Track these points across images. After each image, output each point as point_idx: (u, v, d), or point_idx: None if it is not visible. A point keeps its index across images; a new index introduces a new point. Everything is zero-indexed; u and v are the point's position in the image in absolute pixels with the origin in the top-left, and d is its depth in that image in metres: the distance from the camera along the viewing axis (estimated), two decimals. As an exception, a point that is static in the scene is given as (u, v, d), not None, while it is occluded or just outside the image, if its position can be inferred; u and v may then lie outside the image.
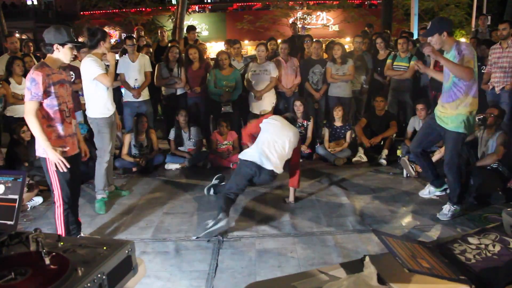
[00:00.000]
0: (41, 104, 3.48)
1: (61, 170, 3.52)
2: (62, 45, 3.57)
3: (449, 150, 4.30)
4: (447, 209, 4.37)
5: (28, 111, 3.43)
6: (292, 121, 4.95)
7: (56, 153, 3.48)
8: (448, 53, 4.14)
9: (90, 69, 4.56)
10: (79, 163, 3.92)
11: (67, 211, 3.74)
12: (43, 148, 3.51)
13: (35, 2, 28.74)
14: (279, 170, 4.44)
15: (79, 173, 3.97)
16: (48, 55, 3.63)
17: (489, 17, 10.65)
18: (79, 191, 4.04)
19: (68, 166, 3.52)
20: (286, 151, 4.51)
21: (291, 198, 4.93)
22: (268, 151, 4.42)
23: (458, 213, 4.36)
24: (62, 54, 3.60)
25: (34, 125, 3.44)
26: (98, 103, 4.73)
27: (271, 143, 4.47)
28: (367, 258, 2.03)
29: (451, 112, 4.16)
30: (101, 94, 4.71)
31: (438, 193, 4.77)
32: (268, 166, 4.37)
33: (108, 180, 5.19)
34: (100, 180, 4.89)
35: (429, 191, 4.79)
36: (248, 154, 4.47)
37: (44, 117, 3.53)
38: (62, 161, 3.49)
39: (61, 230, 3.73)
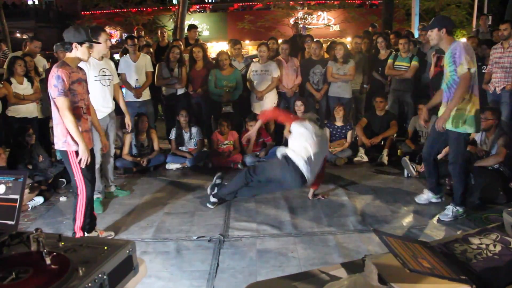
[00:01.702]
0: None
1: (83, 166, 3.71)
2: (81, 44, 3.72)
3: (452, 150, 4.30)
4: (450, 210, 4.36)
5: (62, 107, 3.59)
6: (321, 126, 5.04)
7: (87, 149, 3.69)
8: (446, 52, 4.17)
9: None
10: (93, 157, 4.03)
11: (89, 204, 3.88)
12: (65, 142, 3.68)
13: (36, 2, 28.74)
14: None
15: (94, 167, 4.13)
16: (67, 54, 3.79)
17: (490, 17, 10.66)
18: (94, 185, 4.14)
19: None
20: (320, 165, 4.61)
21: (310, 195, 5.04)
22: (315, 166, 4.45)
23: (460, 215, 4.34)
24: (80, 52, 3.76)
25: (69, 119, 3.59)
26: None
27: (318, 157, 4.48)
28: (367, 258, 2.03)
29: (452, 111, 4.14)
30: (91, 95, 4.58)
31: (434, 200, 4.78)
32: (309, 181, 4.43)
33: (108, 180, 5.25)
34: None
35: (426, 198, 4.80)
36: (301, 163, 4.32)
37: None
38: (88, 157, 3.70)
39: (80, 222, 3.87)
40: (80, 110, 3.80)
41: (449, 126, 4.19)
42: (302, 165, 4.29)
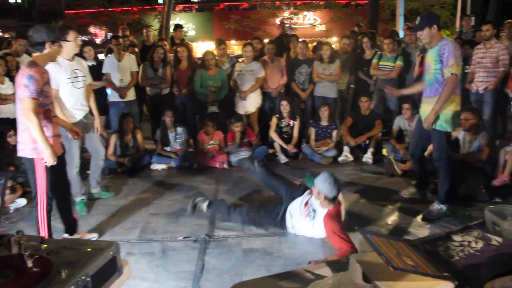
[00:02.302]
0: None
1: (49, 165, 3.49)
2: (53, 42, 3.57)
3: (436, 147, 4.36)
4: (434, 208, 4.41)
5: (28, 108, 3.34)
6: None
7: (54, 154, 3.48)
8: (433, 48, 4.17)
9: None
10: (64, 162, 3.89)
11: (50, 213, 3.69)
12: (34, 149, 3.47)
13: (19, 0, 28.36)
14: None
15: (66, 172, 3.99)
16: (37, 54, 3.58)
17: (473, 18, 10.78)
18: (69, 189, 4.03)
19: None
20: None
21: None
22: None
23: (444, 213, 4.38)
24: (54, 52, 3.61)
25: (34, 123, 3.36)
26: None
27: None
28: (352, 257, 2.05)
29: (431, 108, 4.18)
30: (64, 99, 4.53)
31: (418, 196, 4.90)
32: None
33: (94, 182, 5.17)
34: (73, 184, 4.71)
35: (411, 192, 4.97)
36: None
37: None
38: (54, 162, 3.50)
39: (44, 233, 3.67)
40: (50, 113, 3.62)
41: (433, 125, 4.24)
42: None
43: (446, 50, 4.03)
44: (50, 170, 3.55)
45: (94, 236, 4.15)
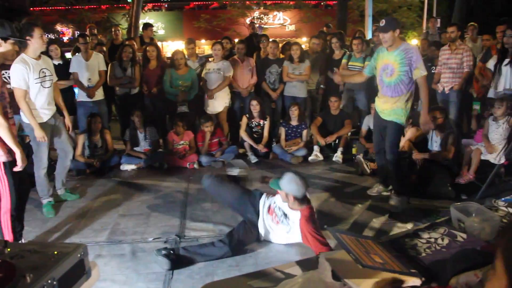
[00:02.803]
0: None
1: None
2: (5, 39, 3.44)
3: (390, 140, 4.60)
4: (395, 201, 4.64)
5: None
6: None
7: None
8: (394, 51, 4.43)
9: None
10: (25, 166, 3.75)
11: (14, 216, 3.58)
12: None
13: (-19, -3, 27.47)
14: None
15: (26, 176, 3.78)
16: None
17: (439, 20, 11.06)
18: (27, 195, 3.88)
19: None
20: None
21: None
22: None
23: (406, 203, 4.64)
24: (3, 49, 3.48)
25: (3, 125, 3.24)
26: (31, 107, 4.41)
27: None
28: (321, 255, 2.06)
29: (392, 106, 4.51)
30: (32, 99, 4.42)
31: (384, 193, 5.01)
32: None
33: (60, 183, 5.06)
34: (40, 186, 4.69)
35: (377, 190, 5.05)
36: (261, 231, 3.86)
37: None
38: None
39: (8, 237, 3.56)
40: (8, 115, 3.43)
41: (390, 117, 4.54)
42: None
43: (413, 54, 4.33)
44: (11, 172, 3.42)
45: None
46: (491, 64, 6.16)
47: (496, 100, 5.37)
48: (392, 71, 4.44)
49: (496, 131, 5.23)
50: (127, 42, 7.56)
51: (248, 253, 3.70)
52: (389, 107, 4.53)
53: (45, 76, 4.49)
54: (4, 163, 3.40)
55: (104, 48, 7.98)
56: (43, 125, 4.46)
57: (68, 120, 4.91)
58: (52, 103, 4.66)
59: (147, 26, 8.71)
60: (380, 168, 5.05)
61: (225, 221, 4.40)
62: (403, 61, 4.34)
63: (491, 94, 5.98)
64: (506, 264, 0.76)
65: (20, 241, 3.74)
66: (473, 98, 6.89)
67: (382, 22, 4.43)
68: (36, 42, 4.21)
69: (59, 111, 4.86)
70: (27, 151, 4.41)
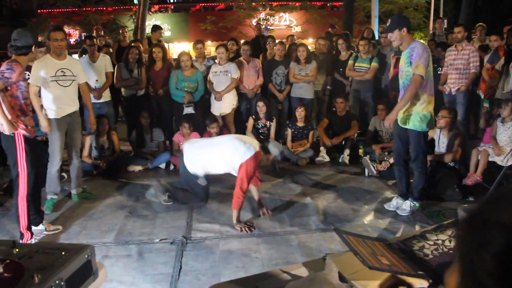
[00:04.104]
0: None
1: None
2: (37, 46, 4.00)
3: (414, 148, 4.43)
4: (408, 205, 4.50)
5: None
6: None
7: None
8: (404, 51, 4.28)
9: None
10: (43, 150, 4.21)
11: (29, 201, 3.93)
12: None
13: (-12, -1, 27.64)
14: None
15: (42, 162, 4.26)
16: (17, 56, 3.88)
17: (445, 21, 11.00)
18: (43, 181, 4.24)
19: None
20: None
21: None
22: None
23: (417, 209, 4.48)
24: (34, 55, 4.04)
25: None
26: (45, 103, 4.75)
27: None
28: (328, 257, 2.06)
29: (408, 110, 4.29)
30: (47, 93, 4.72)
31: (404, 207, 4.58)
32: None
33: (76, 182, 5.20)
34: (49, 181, 4.90)
35: (396, 204, 4.64)
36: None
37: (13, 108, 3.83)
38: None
39: (24, 222, 3.91)
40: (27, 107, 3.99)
41: (407, 125, 4.33)
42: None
43: (415, 52, 4.15)
44: (31, 149, 3.88)
45: (58, 228, 4.30)
46: (500, 65, 6.13)
47: (502, 101, 5.34)
48: (402, 72, 4.33)
49: (504, 133, 5.19)
50: (133, 44, 7.58)
51: (254, 254, 3.71)
52: (403, 112, 4.32)
53: (64, 75, 4.78)
54: (25, 136, 3.82)
55: (111, 50, 8.01)
56: (58, 121, 4.75)
57: (92, 118, 5.30)
58: (73, 102, 4.92)
59: (156, 28, 8.73)
60: (399, 181, 4.71)
61: (231, 222, 4.40)
62: (407, 61, 4.21)
63: (498, 95, 5.95)
64: (460, 257, 0.74)
65: (37, 227, 4.11)
66: (481, 99, 6.83)
67: (388, 22, 4.36)
68: (51, 44, 4.68)
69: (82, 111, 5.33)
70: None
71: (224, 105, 6.83)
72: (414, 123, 4.28)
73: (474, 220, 0.72)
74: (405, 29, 4.19)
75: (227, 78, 6.75)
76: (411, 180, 4.65)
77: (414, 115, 4.26)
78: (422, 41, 5.94)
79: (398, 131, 4.51)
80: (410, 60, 4.15)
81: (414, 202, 4.48)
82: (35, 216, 4.09)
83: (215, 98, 6.80)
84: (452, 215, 4.21)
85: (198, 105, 6.83)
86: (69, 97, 4.86)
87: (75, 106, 4.96)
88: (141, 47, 7.71)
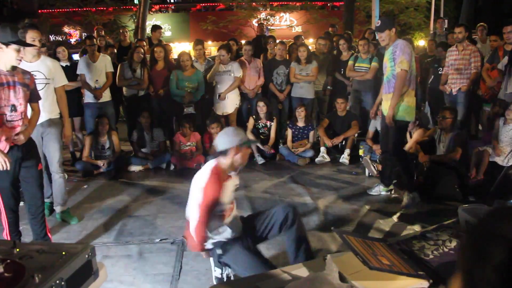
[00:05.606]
0: None
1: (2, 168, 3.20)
2: (6, 44, 3.24)
3: (394, 138, 4.62)
4: (406, 199, 4.64)
5: None
6: None
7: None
8: (388, 48, 4.53)
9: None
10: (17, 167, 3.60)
11: (11, 218, 3.59)
12: None
13: (-12, -1, 27.64)
14: None
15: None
16: None
17: (446, 21, 10.99)
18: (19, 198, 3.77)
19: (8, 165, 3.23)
20: None
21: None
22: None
23: (418, 200, 4.64)
24: (5, 54, 3.27)
25: None
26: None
27: None
28: (328, 257, 2.06)
29: (389, 102, 4.50)
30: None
31: (384, 193, 5.10)
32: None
33: (59, 200, 4.59)
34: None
35: (377, 190, 5.11)
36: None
37: None
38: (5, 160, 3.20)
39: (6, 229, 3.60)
40: (1, 118, 3.32)
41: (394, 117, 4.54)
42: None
43: (398, 48, 4.39)
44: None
45: None
46: (501, 65, 6.12)
47: (509, 104, 5.32)
48: (385, 68, 4.58)
49: (506, 134, 5.19)
50: (138, 44, 7.59)
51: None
52: (387, 104, 4.56)
53: (35, 79, 3.95)
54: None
55: (115, 50, 8.02)
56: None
57: (66, 128, 4.53)
58: (45, 109, 4.20)
59: (156, 28, 8.73)
60: (383, 168, 5.11)
61: (231, 222, 4.40)
62: (391, 57, 4.46)
63: (501, 95, 5.95)
64: (462, 268, 0.75)
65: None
66: (483, 100, 6.82)
67: (378, 23, 4.56)
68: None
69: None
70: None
71: (228, 104, 6.83)
72: (399, 114, 4.50)
73: (476, 232, 0.72)
74: (393, 29, 4.47)
75: (230, 78, 6.75)
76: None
77: (399, 106, 4.49)
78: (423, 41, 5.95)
79: (384, 123, 4.76)
80: (394, 57, 4.40)
81: (410, 195, 4.65)
82: (15, 235, 3.66)
83: (218, 97, 6.80)
84: (452, 215, 4.21)
85: (198, 105, 6.83)
86: (42, 102, 4.03)
87: (49, 114, 4.30)
88: (145, 47, 7.72)
